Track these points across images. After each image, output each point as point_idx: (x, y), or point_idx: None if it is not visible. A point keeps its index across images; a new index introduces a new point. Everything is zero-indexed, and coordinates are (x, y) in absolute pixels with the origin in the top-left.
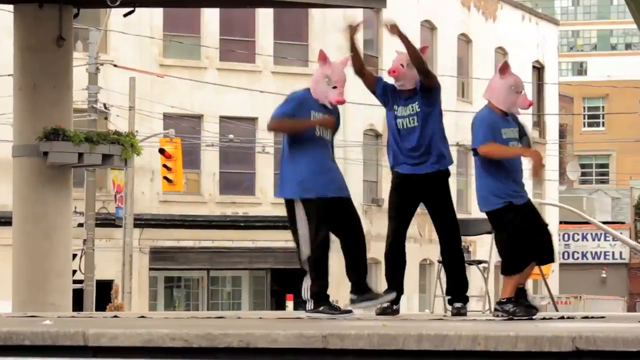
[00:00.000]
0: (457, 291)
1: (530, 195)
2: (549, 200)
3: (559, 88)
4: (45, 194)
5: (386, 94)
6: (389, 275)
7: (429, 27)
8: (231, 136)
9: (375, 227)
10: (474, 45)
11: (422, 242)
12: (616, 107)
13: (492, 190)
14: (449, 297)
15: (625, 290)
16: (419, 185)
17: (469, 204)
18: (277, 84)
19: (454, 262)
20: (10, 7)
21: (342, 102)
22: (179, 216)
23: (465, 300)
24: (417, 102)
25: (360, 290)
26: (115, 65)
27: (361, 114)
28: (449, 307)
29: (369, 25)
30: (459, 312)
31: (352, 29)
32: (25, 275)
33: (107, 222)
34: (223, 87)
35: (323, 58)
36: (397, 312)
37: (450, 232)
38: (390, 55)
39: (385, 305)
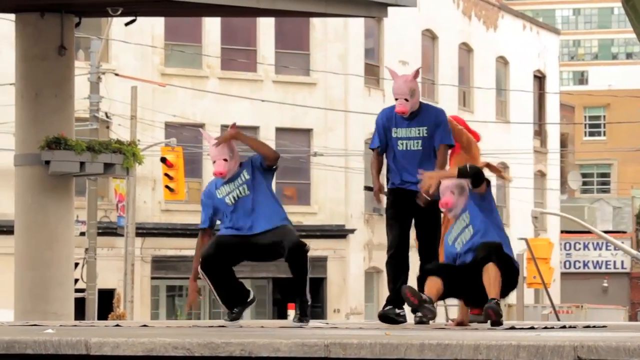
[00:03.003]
0: None
1: (531, 205)
2: (550, 209)
3: (560, 97)
4: (47, 203)
5: (385, 130)
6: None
7: (430, 36)
8: None
9: (377, 237)
10: (475, 54)
11: None
12: (617, 116)
13: None
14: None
15: (627, 299)
16: (414, 200)
17: None
18: (278, 93)
19: None
20: (12, 16)
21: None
22: (180, 225)
23: None
24: (426, 127)
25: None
26: (116, 74)
27: (362, 122)
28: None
29: (370, 34)
30: (422, 321)
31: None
32: (27, 284)
33: (109, 231)
34: (224, 96)
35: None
36: (403, 318)
37: (430, 246)
38: (391, 64)
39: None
